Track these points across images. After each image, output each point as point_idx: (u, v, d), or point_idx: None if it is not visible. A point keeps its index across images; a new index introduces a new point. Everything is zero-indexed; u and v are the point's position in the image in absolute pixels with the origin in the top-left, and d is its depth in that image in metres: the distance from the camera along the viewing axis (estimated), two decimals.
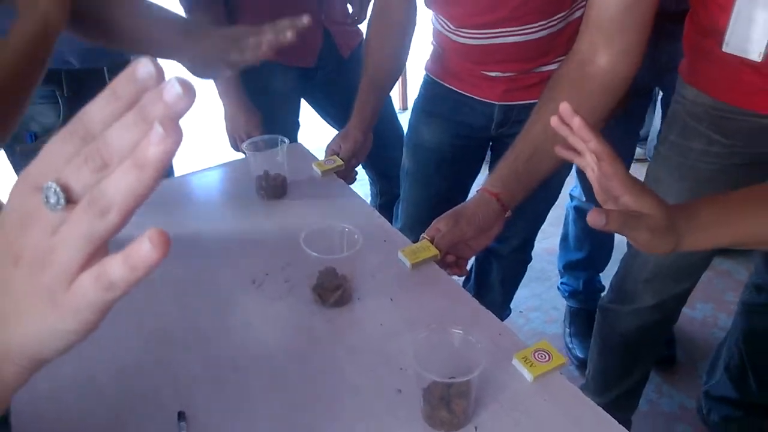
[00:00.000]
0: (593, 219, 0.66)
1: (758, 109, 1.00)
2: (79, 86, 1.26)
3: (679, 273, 1.23)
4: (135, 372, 0.79)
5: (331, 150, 1.27)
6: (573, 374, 1.78)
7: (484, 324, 0.87)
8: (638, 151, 2.41)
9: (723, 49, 0.89)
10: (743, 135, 1.04)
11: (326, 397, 0.75)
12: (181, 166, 1.74)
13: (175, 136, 0.28)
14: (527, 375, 0.76)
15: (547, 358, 0.77)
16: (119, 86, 0.30)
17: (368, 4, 1.62)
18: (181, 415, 0.71)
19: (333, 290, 0.87)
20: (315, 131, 2.02)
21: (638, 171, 1.24)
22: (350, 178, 1.31)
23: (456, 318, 0.87)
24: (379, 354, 0.81)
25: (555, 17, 1.14)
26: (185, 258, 0.98)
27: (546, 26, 1.15)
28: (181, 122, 0.29)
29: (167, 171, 1.08)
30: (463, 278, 1.80)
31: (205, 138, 2.69)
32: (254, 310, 0.90)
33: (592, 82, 0.97)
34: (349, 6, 1.58)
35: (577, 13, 1.15)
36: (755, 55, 0.87)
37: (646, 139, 2.48)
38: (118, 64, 1.31)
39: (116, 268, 0.30)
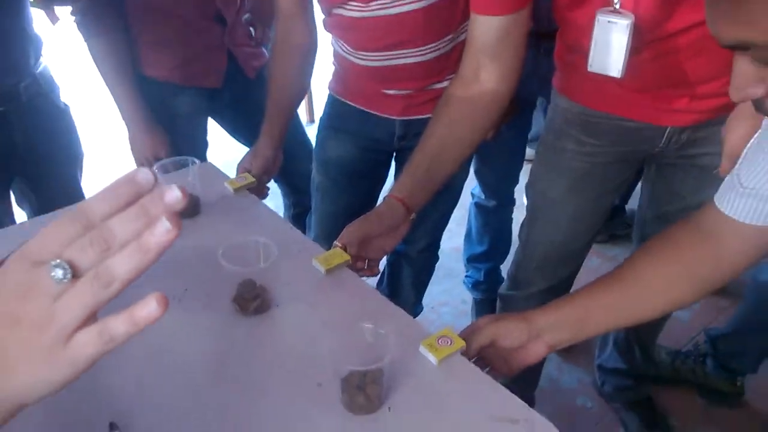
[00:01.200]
0: None
1: (620, 113, 1.15)
2: None
3: (564, 259, 1.38)
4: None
5: (243, 168, 1.33)
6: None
7: (393, 318, 0.96)
8: (529, 152, 2.61)
9: (588, 69, 1.02)
10: (608, 137, 1.19)
11: (252, 395, 0.81)
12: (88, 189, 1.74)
13: (177, 229, 0.37)
14: (432, 359, 0.85)
15: (449, 342, 0.87)
16: (120, 187, 0.38)
17: (270, 27, 1.69)
18: (112, 426, 0.75)
19: (252, 299, 0.93)
20: (223, 147, 2.06)
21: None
22: (262, 193, 1.38)
23: (368, 315, 0.94)
24: (300, 354, 0.88)
25: (443, 39, 1.26)
26: None
27: (436, 48, 1.26)
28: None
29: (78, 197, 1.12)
30: (376, 281, 1.90)
31: (112, 161, 2.66)
32: (175, 324, 0.94)
33: (477, 100, 1.09)
34: (251, 28, 1.64)
35: (463, 36, 1.27)
36: (615, 72, 0.99)
37: (536, 140, 2.68)
38: (5, 92, 1.31)
39: (120, 324, 0.38)
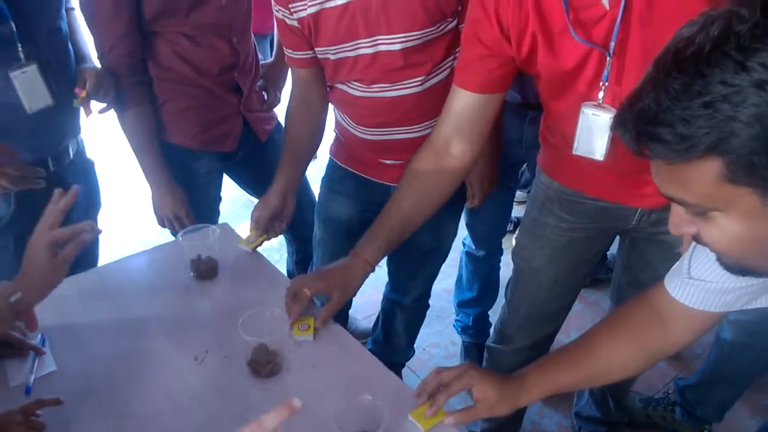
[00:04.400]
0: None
1: (596, 195, 1.28)
2: None
3: (545, 319, 1.51)
4: None
5: (255, 217, 1.47)
6: (468, 402, 2.02)
7: (386, 383, 1.09)
8: (520, 195, 2.77)
9: (573, 152, 1.12)
10: (585, 215, 1.32)
11: None
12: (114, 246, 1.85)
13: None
14: (420, 428, 0.99)
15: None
16: (289, 407, 0.65)
17: (281, 91, 1.84)
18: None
19: (265, 364, 1.06)
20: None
21: (521, 210, 1.52)
22: (273, 232, 1.52)
23: (365, 379, 1.08)
24: (307, 416, 1.00)
25: (435, 118, 1.40)
26: (136, 337, 1.15)
27: (429, 126, 1.40)
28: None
29: (94, 261, 1.29)
30: (372, 325, 2.03)
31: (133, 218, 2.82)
32: (198, 382, 1.08)
33: (447, 168, 1.23)
34: (264, 93, 1.79)
35: None
36: (599, 156, 1.09)
37: (525, 186, 2.83)
38: (59, 153, 1.46)
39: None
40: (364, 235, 1.27)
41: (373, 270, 1.24)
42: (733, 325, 1.69)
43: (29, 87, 1.31)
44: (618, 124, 0.66)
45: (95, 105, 1.51)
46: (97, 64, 1.53)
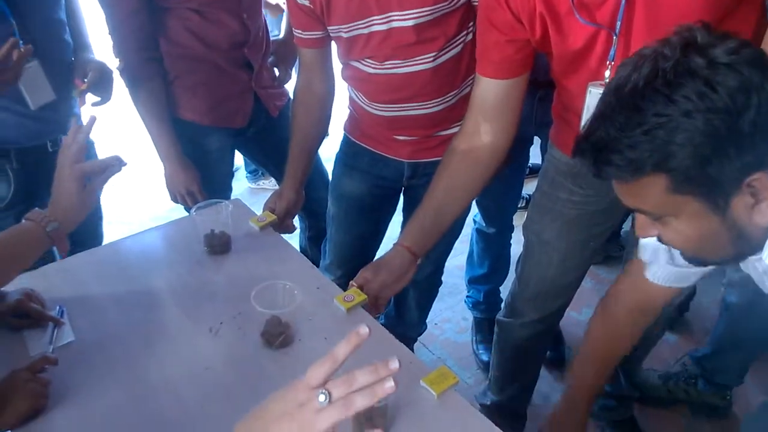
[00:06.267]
0: None
1: None
2: (26, 160, 1.41)
3: (555, 293, 1.52)
4: (116, 411, 0.99)
5: (269, 207, 1.48)
6: (479, 376, 2.06)
7: (398, 355, 1.08)
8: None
9: (581, 130, 1.15)
10: (595, 187, 1.32)
11: None
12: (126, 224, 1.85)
13: (395, 387, 0.60)
14: (432, 393, 1.00)
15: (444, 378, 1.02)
16: (351, 338, 0.63)
17: (292, 68, 1.84)
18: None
19: (278, 335, 1.08)
20: None
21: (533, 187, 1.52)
22: (290, 228, 1.53)
23: (376, 351, 1.08)
24: None
25: (449, 94, 1.40)
26: (152, 310, 1.17)
27: (442, 102, 1.40)
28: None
29: (99, 240, 1.30)
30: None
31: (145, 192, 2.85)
32: (213, 352, 1.10)
33: (478, 154, 1.24)
34: (275, 70, 1.79)
35: (466, 90, 1.42)
36: None
37: (535, 171, 2.81)
38: (57, 137, 1.48)
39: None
40: (405, 224, 1.29)
41: (419, 257, 1.25)
42: (736, 287, 1.70)
43: (32, 83, 1.31)
44: (577, 153, 0.78)
45: (89, 97, 1.52)
46: (97, 54, 1.54)
